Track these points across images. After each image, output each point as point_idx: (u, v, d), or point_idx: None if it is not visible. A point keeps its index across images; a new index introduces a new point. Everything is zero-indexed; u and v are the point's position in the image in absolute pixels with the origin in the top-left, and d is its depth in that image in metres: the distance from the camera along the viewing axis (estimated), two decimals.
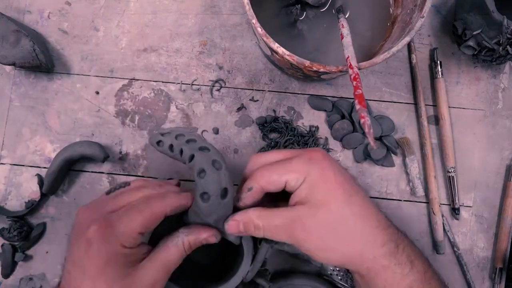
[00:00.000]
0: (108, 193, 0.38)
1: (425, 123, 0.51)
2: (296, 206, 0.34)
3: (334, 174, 0.34)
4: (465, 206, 0.52)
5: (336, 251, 0.34)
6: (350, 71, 0.37)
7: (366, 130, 0.32)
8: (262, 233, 0.35)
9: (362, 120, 0.33)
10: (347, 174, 0.36)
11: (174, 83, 0.52)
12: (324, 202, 0.33)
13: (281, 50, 0.38)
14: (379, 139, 0.51)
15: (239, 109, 0.52)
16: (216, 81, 0.52)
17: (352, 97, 0.48)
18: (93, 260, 0.31)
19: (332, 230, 0.33)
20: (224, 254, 0.45)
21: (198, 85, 0.52)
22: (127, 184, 0.38)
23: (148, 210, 0.34)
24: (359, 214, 0.34)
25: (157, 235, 0.37)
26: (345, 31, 0.41)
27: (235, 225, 0.36)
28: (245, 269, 0.39)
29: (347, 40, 0.40)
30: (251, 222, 0.35)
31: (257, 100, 0.52)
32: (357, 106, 0.34)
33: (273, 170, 0.35)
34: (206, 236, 0.36)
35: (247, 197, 0.36)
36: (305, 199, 0.34)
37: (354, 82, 0.36)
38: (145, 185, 0.37)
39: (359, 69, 0.37)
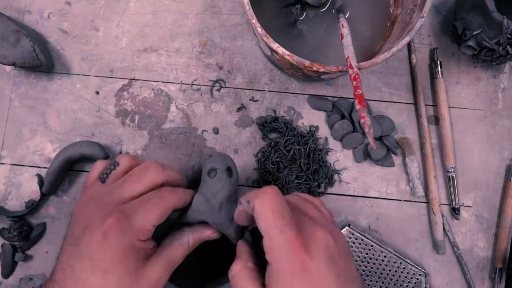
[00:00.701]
0: (103, 180, 0.37)
1: (425, 123, 0.51)
2: None
3: (306, 285, 0.28)
4: (465, 206, 0.52)
5: None
6: (350, 71, 0.37)
7: (366, 130, 0.32)
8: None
9: (362, 120, 0.33)
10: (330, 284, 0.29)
11: (174, 83, 0.52)
12: None
13: (281, 50, 0.38)
14: (379, 139, 0.51)
15: (239, 109, 0.52)
16: (216, 81, 0.52)
17: (352, 97, 0.48)
18: (108, 253, 0.31)
19: None
20: (223, 254, 0.45)
21: (198, 85, 0.52)
22: (116, 163, 0.38)
23: (163, 203, 0.34)
24: None
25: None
26: (345, 31, 0.41)
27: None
28: None
29: (347, 40, 0.40)
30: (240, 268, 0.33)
31: (257, 100, 0.52)
32: (357, 106, 0.34)
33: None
34: (209, 233, 0.37)
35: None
36: None
37: (354, 82, 0.36)
38: (143, 167, 0.37)
39: (359, 69, 0.37)
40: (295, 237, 0.28)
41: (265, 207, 0.30)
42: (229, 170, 0.39)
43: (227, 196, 0.37)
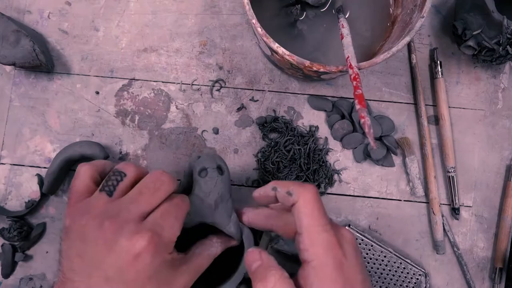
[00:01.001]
0: (110, 194, 0.34)
1: (425, 123, 0.51)
2: None
3: (345, 282, 0.30)
4: (465, 206, 0.52)
5: None
6: (350, 71, 0.37)
7: (366, 130, 0.32)
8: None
9: (362, 120, 0.33)
10: (363, 285, 0.31)
11: (174, 83, 0.52)
12: None
13: (281, 50, 0.38)
14: (379, 139, 0.51)
15: (239, 109, 0.52)
16: (216, 81, 0.52)
17: (352, 97, 0.48)
18: (141, 273, 0.30)
19: None
20: (225, 252, 0.45)
21: (198, 85, 0.52)
22: (122, 174, 0.35)
23: (180, 213, 0.34)
24: None
25: None
26: (345, 31, 0.41)
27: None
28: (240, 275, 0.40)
29: (347, 40, 0.40)
30: (265, 268, 0.33)
31: (257, 100, 0.52)
32: (357, 106, 0.34)
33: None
34: (234, 242, 0.39)
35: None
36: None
37: (354, 82, 0.36)
38: (157, 178, 0.35)
39: (359, 69, 0.37)
40: (334, 235, 0.30)
41: (311, 206, 0.31)
42: (220, 168, 0.39)
43: (220, 193, 0.38)
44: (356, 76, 0.36)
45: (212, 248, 0.38)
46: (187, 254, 0.36)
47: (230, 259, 0.43)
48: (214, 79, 0.52)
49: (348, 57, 0.38)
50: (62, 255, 0.32)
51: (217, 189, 0.38)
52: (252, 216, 0.39)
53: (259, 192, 0.36)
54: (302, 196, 0.31)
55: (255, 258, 0.33)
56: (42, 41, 0.51)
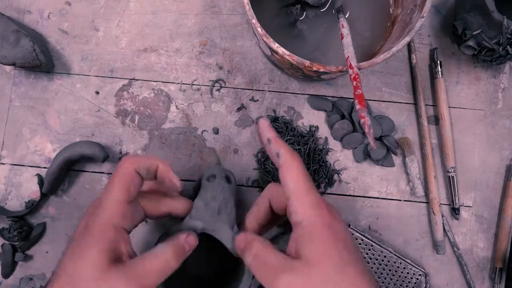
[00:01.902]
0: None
1: (425, 123, 0.51)
2: (290, 259, 0.31)
3: (335, 238, 0.30)
4: (465, 206, 0.52)
5: None
6: (350, 71, 0.37)
7: (366, 130, 0.32)
8: (248, 260, 0.33)
9: (362, 120, 0.33)
10: (350, 243, 0.31)
11: (174, 83, 0.52)
12: (317, 263, 0.29)
13: (281, 50, 0.38)
14: (379, 139, 0.51)
15: (239, 109, 0.52)
16: (216, 81, 0.52)
17: (352, 97, 0.48)
18: None
19: None
20: (223, 266, 0.44)
21: (198, 85, 0.52)
22: None
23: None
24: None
25: None
26: (345, 31, 0.41)
27: (240, 239, 0.35)
28: (247, 283, 0.39)
29: (347, 40, 0.40)
30: (249, 242, 0.34)
31: (257, 100, 0.52)
32: (357, 106, 0.34)
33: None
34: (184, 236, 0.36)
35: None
36: (300, 251, 0.30)
37: (354, 82, 0.36)
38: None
39: (359, 69, 0.37)
40: (320, 198, 0.32)
41: (296, 170, 0.32)
42: (228, 178, 0.41)
43: (225, 199, 0.38)
44: (356, 76, 0.36)
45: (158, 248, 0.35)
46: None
47: (230, 274, 0.42)
48: (214, 79, 0.52)
49: (348, 57, 0.38)
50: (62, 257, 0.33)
51: (223, 195, 0.38)
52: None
53: (262, 128, 0.35)
54: (288, 161, 0.32)
55: (241, 239, 0.35)
56: (42, 41, 0.51)
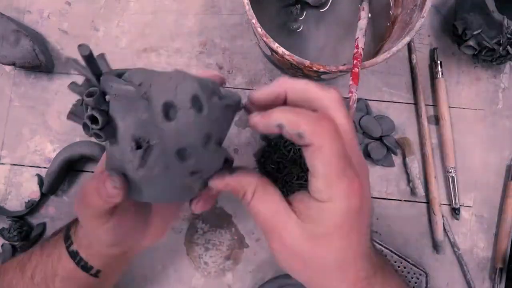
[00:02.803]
0: None
1: (425, 123, 0.51)
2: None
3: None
4: (465, 206, 0.51)
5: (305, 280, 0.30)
6: (355, 50, 0.39)
7: (350, 103, 0.35)
8: (247, 199, 0.30)
9: (349, 95, 0.36)
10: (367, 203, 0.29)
11: None
12: (326, 233, 0.27)
13: (281, 50, 0.38)
14: (379, 139, 0.51)
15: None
16: None
17: None
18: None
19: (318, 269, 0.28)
20: None
21: None
22: None
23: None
24: (345, 259, 0.28)
25: None
26: (364, 14, 0.44)
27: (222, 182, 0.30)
28: None
29: (363, 22, 0.43)
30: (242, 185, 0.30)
31: None
32: (350, 82, 0.37)
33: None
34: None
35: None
36: (313, 216, 0.27)
37: (355, 61, 0.38)
38: None
39: (360, 69, 0.37)
40: (354, 181, 0.27)
41: (329, 151, 0.25)
42: (196, 101, 0.24)
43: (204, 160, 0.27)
44: (358, 56, 0.38)
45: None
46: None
47: None
48: None
49: (358, 38, 0.41)
50: None
51: (197, 131, 0.26)
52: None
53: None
54: (318, 138, 0.25)
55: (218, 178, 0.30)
56: (42, 41, 0.51)
